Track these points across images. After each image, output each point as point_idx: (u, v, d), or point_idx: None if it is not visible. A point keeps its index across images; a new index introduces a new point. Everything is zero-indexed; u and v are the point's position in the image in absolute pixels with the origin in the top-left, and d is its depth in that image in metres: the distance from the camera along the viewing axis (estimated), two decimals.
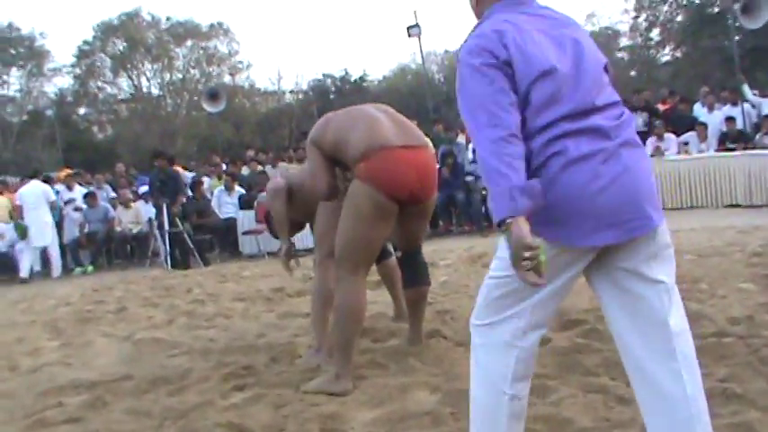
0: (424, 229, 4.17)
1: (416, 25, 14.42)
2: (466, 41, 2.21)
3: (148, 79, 37.26)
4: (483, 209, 11.91)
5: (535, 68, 2.12)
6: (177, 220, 11.24)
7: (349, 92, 35.15)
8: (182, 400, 3.69)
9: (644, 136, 12.86)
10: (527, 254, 1.97)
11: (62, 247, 12.75)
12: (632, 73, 34.98)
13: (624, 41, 36.14)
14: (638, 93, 14.23)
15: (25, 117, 35.50)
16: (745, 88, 13.32)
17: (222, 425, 3.19)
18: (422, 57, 16.15)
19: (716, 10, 28.32)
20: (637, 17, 33.59)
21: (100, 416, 3.58)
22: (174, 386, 3.99)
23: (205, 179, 14.03)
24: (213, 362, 4.42)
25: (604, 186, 2.09)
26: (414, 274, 4.17)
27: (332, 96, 35.79)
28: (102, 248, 13.22)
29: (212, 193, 13.35)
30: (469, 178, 12.23)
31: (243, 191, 13.22)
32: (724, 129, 12.86)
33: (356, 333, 3.74)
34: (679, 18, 31.82)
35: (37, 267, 12.52)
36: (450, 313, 4.97)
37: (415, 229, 4.04)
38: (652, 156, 12.46)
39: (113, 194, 14.03)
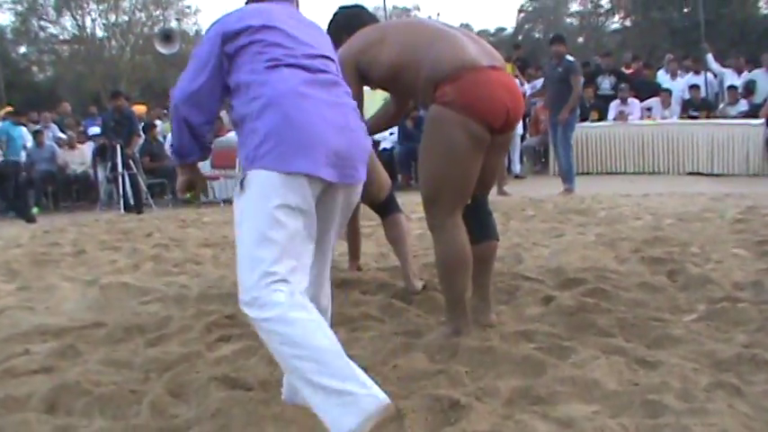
0: (502, 165, 3.64)
1: None
2: None
3: (93, 20, 35.90)
4: None
5: None
6: (131, 162, 10.79)
7: None
8: (164, 351, 3.39)
9: (610, 100, 12.80)
10: None
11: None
12: (580, 39, 35.08)
13: (575, 7, 36.22)
14: (606, 56, 14.12)
15: None
16: (709, 57, 13.33)
17: (217, 378, 2.91)
18: (384, 10, 15.83)
19: None
20: None
21: (75, 366, 3.27)
22: (153, 335, 3.69)
23: (158, 122, 13.55)
24: (191, 310, 4.13)
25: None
26: (484, 225, 3.45)
27: None
28: (47, 189, 12.71)
29: (165, 138, 12.89)
30: None
31: None
32: (687, 96, 12.86)
33: (467, 283, 3.29)
34: None
35: None
36: None
37: (494, 165, 3.34)
38: (615, 120, 12.42)
39: (60, 134, 13.45)
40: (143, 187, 11.10)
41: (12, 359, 3.40)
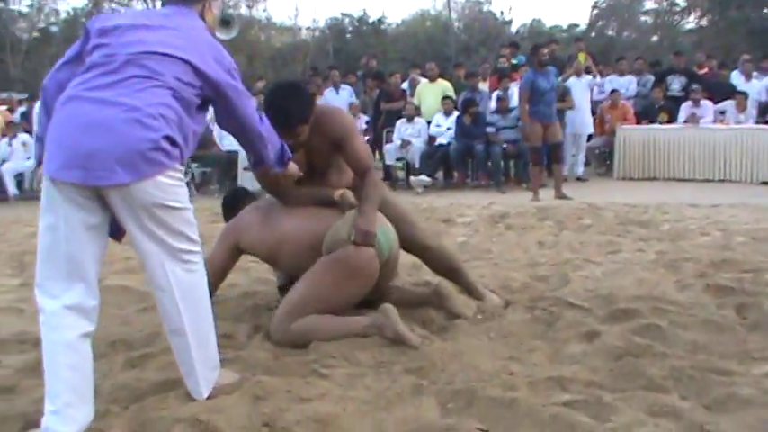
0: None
1: None
2: None
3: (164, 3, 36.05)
4: (502, 163, 11.32)
5: None
6: None
7: (366, 33, 34.06)
8: (138, 377, 2.96)
9: (680, 101, 12.04)
10: None
11: None
12: (654, 38, 33.85)
13: (649, 5, 34.91)
14: (678, 55, 13.31)
15: (36, 34, 34.39)
16: None
17: (183, 420, 2.45)
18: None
19: None
20: None
21: (37, 387, 2.86)
22: (135, 353, 3.28)
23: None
24: None
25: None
26: None
27: (348, 36, 34.69)
28: None
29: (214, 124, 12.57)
30: (490, 129, 11.39)
31: None
32: (763, 99, 12.01)
33: None
34: None
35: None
36: None
37: None
38: (685, 122, 11.64)
39: None
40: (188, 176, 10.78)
41: None
